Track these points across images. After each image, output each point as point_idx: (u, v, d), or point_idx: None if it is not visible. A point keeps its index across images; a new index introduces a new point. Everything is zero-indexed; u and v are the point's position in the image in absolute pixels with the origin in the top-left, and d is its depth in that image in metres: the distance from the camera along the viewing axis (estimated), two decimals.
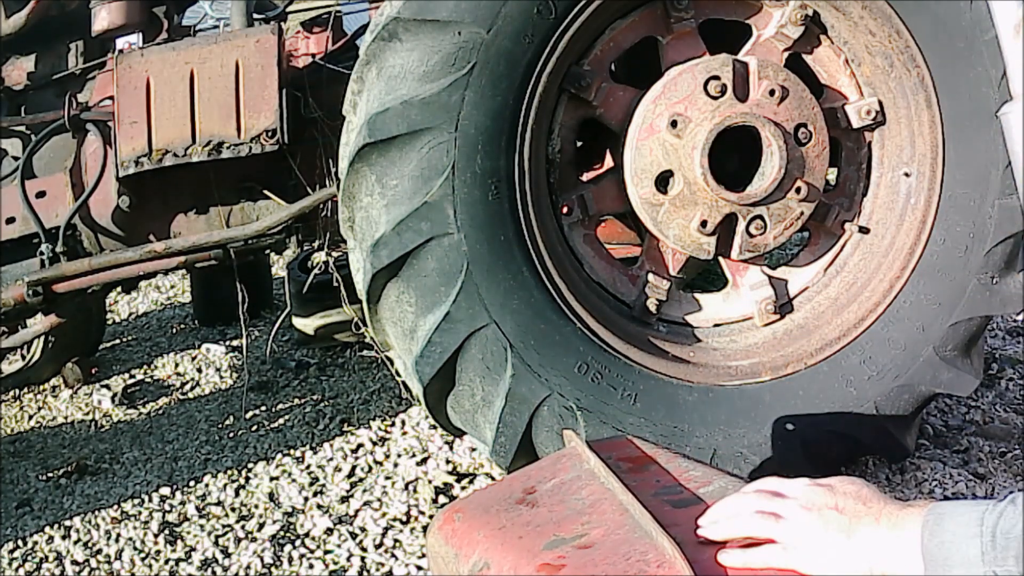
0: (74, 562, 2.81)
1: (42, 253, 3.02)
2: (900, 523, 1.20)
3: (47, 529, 3.00)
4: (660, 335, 2.60)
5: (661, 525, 1.28)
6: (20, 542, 2.96)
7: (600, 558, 1.29)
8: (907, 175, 2.58)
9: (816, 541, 1.22)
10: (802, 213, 2.51)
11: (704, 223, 2.45)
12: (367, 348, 3.66)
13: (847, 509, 1.23)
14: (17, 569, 2.82)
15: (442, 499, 2.86)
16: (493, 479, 2.91)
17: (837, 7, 2.51)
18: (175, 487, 3.15)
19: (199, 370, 4.24)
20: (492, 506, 1.54)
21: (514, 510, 1.50)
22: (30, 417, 3.97)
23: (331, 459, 3.21)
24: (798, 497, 1.27)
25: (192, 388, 4.06)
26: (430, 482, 2.95)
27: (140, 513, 3.01)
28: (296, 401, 3.75)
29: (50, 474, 3.38)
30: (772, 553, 1.24)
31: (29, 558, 2.87)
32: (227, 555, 2.74)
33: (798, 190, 2.48)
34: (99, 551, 2.85)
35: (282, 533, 2.81)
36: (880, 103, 2.59)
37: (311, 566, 2.64)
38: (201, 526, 2.90)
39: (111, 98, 2.96)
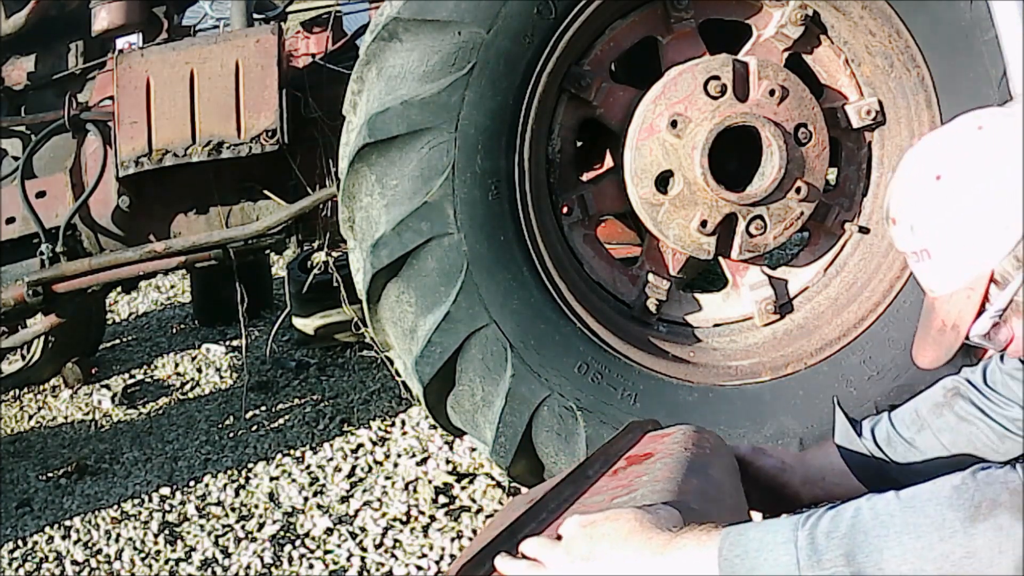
0: (74, 562, 2.81)
1: (42, 253, 3.02)
2: (673, 546, 1.17)
3: (47, 529, 3.00)
4: (660, 335, 2.60)
5: (515, 535, 1.30)
6: (20, 542, 2.96)
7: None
8: None
9: None
10: (802, 213, 2.51)
11: (704, 223, 2.45)
12: (367, 348, 3.66)
13: (598, 555, 1.20)
14: (17, 569, 2.82)
15: (442, 499, 2.86)
16: (493, 479, 2.91)
17: (837, 7, 2.51)
18: (175, 487, 3.15)
19: (199, 370, 4.24)
20: (522, 502, 1.57)
21: (520, 508, 1.51)
22: (30, 417, 3.97)
23: (331, 459, 3.21)
24: (564, 543, 1.24)
25: (192, 388, 4.06)
26: (430, 482, 2.95)
27: (140, 513, 3.01)
28: (296, 401, 3.75)
29: (50, 474, 3.38)
30: None
31: (29, 558, 2.87)
32: (227, 555, 2.74)
33: (798, 190, 2.48)
34: (99, 551, 2.85)
35: (282, 533, 2.81)
36: (880, 103, 2.58)
37: (311, 566, 2.64)
38: (201, 526, 2.90)
39: (111, 98, 2.96)
